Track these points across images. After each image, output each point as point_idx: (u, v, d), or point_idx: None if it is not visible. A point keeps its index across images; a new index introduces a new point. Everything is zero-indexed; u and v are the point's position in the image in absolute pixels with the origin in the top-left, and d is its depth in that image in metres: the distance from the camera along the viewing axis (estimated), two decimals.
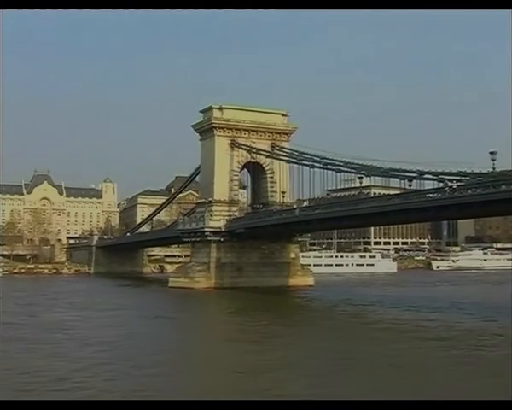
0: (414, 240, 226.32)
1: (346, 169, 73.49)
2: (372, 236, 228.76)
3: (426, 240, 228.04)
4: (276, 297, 78.89)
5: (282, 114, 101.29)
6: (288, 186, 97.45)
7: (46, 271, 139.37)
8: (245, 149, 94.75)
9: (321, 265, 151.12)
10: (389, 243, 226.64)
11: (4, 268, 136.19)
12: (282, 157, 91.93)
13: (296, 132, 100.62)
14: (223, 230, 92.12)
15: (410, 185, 64.76)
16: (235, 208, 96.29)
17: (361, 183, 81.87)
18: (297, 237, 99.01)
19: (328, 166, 76.27)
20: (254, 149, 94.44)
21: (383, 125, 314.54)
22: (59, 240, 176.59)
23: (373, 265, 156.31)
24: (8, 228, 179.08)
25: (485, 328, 47.37)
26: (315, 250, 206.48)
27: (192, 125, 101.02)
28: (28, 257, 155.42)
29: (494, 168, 55.50)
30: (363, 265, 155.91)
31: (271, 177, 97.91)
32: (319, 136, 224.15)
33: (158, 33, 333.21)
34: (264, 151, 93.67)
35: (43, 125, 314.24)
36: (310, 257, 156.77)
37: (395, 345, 38.48)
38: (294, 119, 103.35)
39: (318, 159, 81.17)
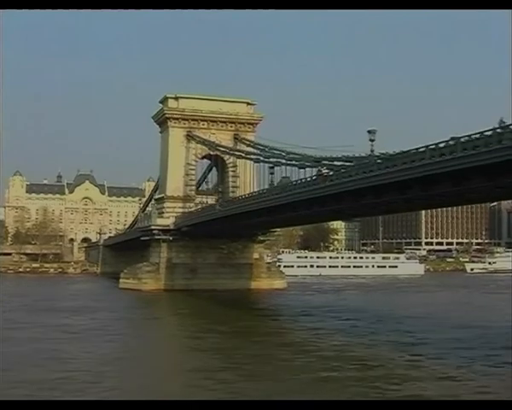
0: (466, 240, 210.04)
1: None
2: (423, 236, 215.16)
3: (481, 240, 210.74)
4: (212, 303, 70.82)
5: (248, 103, 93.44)
6: (252, 180, 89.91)
7: (52, 270, 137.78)
8: (198, 142, 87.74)
9: (337, 266, 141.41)
10: (442, 244, 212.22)
11: (10, 267, 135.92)
12: (237, 151, 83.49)
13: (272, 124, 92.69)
14: (171, 228, 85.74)
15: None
16: (190, 205, 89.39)
17: None
18: (260, 236, 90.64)
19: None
20: (208, 141, 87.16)
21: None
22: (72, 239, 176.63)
23: (396, 267, 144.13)
24: (40, 227, 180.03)
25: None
26: (366, 251, 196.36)
27: (152, 117, 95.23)
28: (51, 257, 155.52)
29: (373, 151, 45.97)
30: (384, 267, 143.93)
31: (233, 171, 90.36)
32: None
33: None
34: (213, 144, 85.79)
35: (88, 125, 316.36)
36: (325, 258, 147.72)
37: None
38: (269, 110, 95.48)
39: (267, 149, 73.30)
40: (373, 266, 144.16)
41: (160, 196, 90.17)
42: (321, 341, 41.09)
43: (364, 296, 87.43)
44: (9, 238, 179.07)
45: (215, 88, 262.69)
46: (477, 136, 32.51)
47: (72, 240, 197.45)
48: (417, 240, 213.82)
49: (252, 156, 67.72)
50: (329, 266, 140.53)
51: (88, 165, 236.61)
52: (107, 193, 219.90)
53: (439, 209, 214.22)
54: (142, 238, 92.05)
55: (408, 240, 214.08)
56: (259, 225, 68.87)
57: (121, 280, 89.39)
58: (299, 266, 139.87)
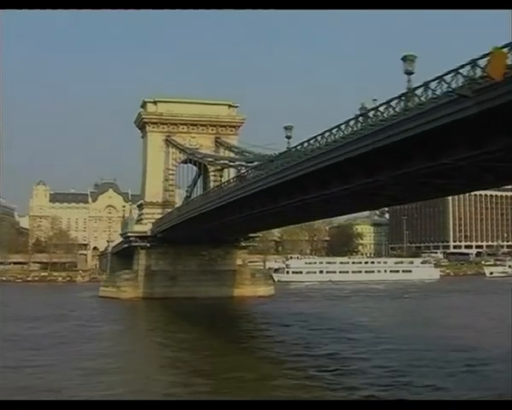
0: (494, 243, 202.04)
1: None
2: (451, 239, 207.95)
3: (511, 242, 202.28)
4: (176, 313, 68.34)
5: (230, 105, 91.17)
6: None
7: (60, 279, 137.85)
8: (176, 147, 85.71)
9: (348, 272, 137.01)
10: (471, 247, 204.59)
11: (18, 276, 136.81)
12: (201, 154, 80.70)
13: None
14: (149, 234, 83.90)
15: None
16: (170, 210, 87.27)
17: None
18: (242, 242, 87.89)
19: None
20: (183, 146, 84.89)
21: None
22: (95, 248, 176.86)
23: (410, 271, 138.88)
24: (61, 236, 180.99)
25: None
26: (395, 256, 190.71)
27: (134, 122, 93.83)
28: (67, 265, 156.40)
29: (289, 148, 42.85)
30: (397, 271, 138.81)
31: (215, 175, 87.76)
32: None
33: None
34: (188, 149, 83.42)
35: (111, 132, 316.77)
36: (335, 263, 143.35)
37: None
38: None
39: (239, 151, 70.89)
40: (385, 271, 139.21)
41: (140, 202, 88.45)
42: None
43: (359, 304, 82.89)
44: (29, 247, 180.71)
45: (214, 92, 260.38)
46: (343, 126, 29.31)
47: (95, 248, 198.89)
48: (445, 243, 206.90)
49: (209, 159, 64.86)
50: (340, 272, 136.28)
51: (112, 172, 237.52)
52: (130, 201, 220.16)
53: (468, 211, 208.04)
54: (123, 245, 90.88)
55: (436, 243, 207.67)
56: (213, 229, 65.92)
57: (101, 288, 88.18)
58: (308, 272, 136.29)
